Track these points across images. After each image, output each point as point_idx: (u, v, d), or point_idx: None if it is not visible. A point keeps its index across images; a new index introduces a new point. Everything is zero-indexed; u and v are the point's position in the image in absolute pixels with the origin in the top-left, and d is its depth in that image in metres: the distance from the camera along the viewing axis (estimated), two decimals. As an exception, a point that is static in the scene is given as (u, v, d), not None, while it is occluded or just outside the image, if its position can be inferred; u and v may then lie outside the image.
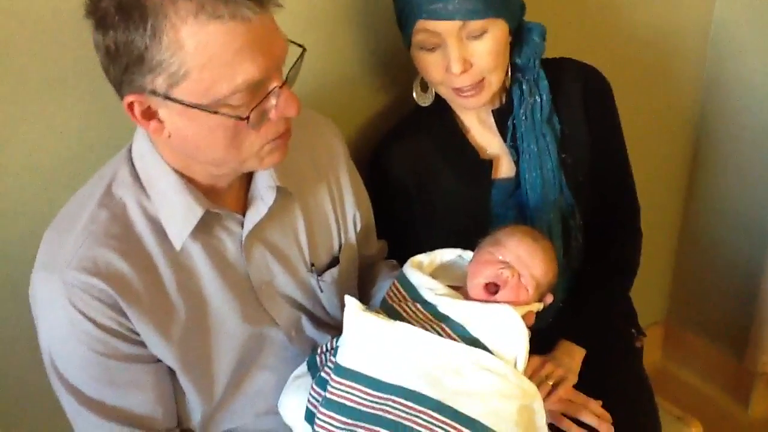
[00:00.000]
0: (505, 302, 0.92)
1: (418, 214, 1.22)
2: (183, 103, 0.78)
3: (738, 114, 1.86)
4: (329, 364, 0.93)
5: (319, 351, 0.98)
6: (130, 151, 0.92)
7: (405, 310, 0.94)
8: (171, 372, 0.94)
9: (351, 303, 0.91)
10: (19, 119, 0.99)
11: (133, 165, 0.90)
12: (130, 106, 0.80)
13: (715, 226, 2.02)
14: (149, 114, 0.81)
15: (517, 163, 1.19)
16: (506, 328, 0.90)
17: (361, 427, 0.87)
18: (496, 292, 0.94)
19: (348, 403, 0.88)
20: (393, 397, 0.87)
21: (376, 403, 0.88)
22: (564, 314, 1.22)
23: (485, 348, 0.89)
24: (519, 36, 1.15)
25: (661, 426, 1.21)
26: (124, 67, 0.77)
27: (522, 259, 0.96)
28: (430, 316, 0.93)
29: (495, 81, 1.11)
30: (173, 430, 0.95)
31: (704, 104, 1.93)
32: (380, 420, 0.87)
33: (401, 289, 0.98)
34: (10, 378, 1.11)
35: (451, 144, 1.20)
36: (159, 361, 0.92)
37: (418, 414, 0.86)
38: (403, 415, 0.86)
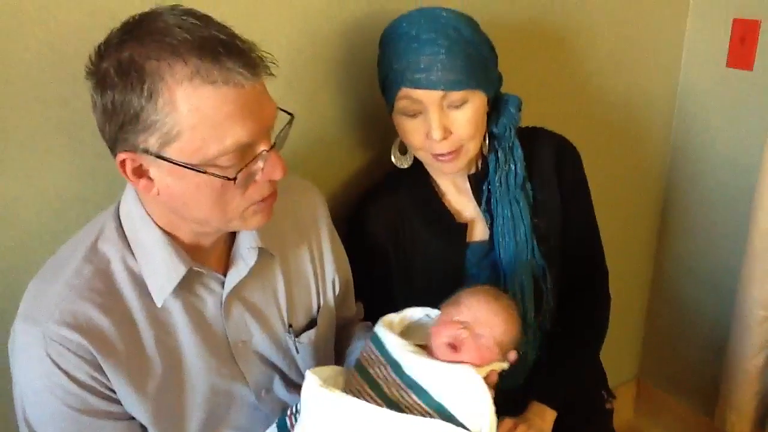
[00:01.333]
0: (466, 362, 0.91)
1: (395, 271, 1.22)
2: (173, 162, 0.79)
3: (704, 177, 1.89)
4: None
5: (288, 413, 0.97)
6: (117, 208, 0.93)
7: (377, 374, 0.93)
8: (143, 429, 0.92)
9: (310, 378, 0.90)
10: None
11: (120, 222, 0.91)
12: (122, 163, 0.81)
13: (684, 285, 2.02)
14: (140, 172, 0.82)
15: (491, 226, 1.20)
16: (468, 391, 0.89)
17: None
18: (457, 350, 0.94)
19: None
20: None
21: None
22: (536, 375, 1.22)
23: (449, 414, 0.88)
24: (496, 106, 1.17)
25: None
26: (120, 125, 0.78)
27: (480, 320, 0.95)
28: (398, 381, 0.92)
29: (472, 148, 1.13)
30: None
31: (671, 168, 1.96)
32: None
33: (374, 349, 0.97)
34: None
35: (428, 207, 1.21)
36: (132, 418, 0.90)
37: None
38: None
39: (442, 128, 1.07)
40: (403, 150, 1.20)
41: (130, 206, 0.90)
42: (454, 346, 0.94)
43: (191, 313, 0.93)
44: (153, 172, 0.82)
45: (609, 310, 1.31)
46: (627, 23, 1.66)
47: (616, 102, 1.75)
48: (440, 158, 1.11)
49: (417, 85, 1.05)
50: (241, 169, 0.81)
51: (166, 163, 0.79)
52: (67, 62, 0.99)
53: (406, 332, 1.01)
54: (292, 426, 0.95)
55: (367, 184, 1.30)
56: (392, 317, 1.02)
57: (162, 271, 0.89)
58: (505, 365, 0.97)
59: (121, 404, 0.89)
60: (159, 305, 0.90)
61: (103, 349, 0.85)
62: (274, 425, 0.97)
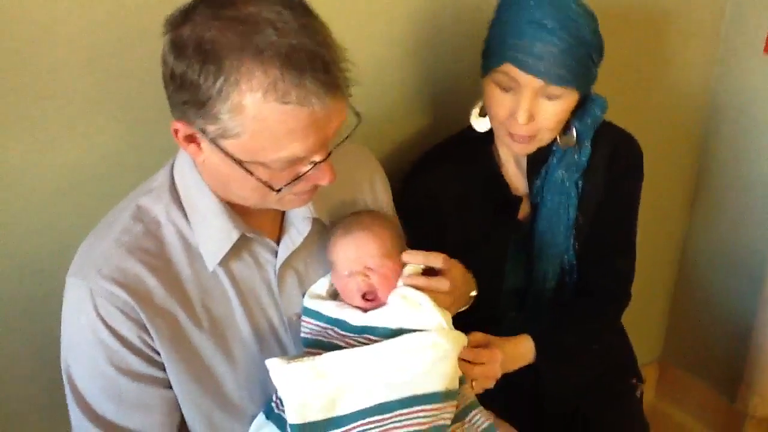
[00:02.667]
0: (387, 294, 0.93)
1: (436, 234, 1.20)
2: (226, 153, 0.78)
3: (737, 162, 1.91)
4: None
5: (273, 398, 0.94)
6: (172, 168, 0.92)
7: (328, 337, 0.93)
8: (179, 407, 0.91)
9: (273, 362, 0.88)
10: (63, 138, 1.03)
11: (173, 183, 0.91)
12: (176, 130, 0.80)
13: (711, 269, 2.06)
14: (191, 139, 0.81)
15: (534, 209, 1.22)
16: (409, 301, 0.92)
17: None
18: (374, 298, 0.94)
19: None
20: (360, 422, 0.88)
21: None
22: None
23: (410, 330, 0.90)
24: (583, 102, 1.17)
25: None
26: (183, 99, 0.77)
27: (353, 259, 0.94)
28: (350, 333, 0.92)
29: (548, 138, 1.14)
30: None
31: (705, 151, 1.98)
32: None
33: (312, 320, 0.95)
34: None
35: (487, 174, 1.23)
36: (171, 388, 0.90)
37: (390, 420, 0.88)
38: (379, 429, 0.88)
39: (528, 113, 1.08)
40: (483, 113, 1.19)
41: (184, 169, 0.90)
42: (367, 297, 0.94)
43: (241, 281, 0.92)
44: (204, 146, 0.81)
45: (621, 312, 1.31)
46: (666, 11, 1.68)
47: (656, 88, 1.77)
48: (515, 138, 1.13)
49: (523, 68, 1.05)
50: (287, 184, 0.81)
51: (217, 148, 0.79)
52: (130, 35, 1.03)
53: (334, 296, 0.99)
54: (279, 410, 0.93)
55: (421, 149, 1.31)
56: (316, 288, 0.99)
57: (215, 235, 0.88)
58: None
59: (164, 370, 0.88)
60: (210, 270, 0.89)
61: (149, 308, 0.85)
62: (262, 414, 0.95)
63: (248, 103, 0.74)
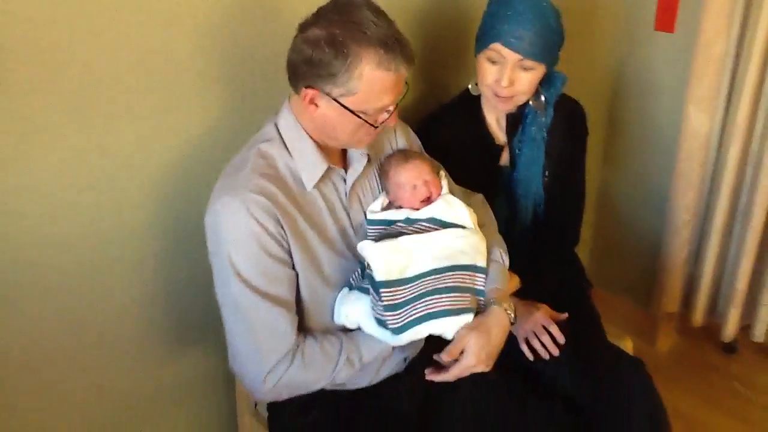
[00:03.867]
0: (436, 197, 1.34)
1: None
2: (344, 106, 1.18)
3: (641, 117, 2.29)
4: (364, 284, 1.27)
5: (352, 278, 1.30)
6: (277, 127, 1.27)
7: (392, 233, 1.29)
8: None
9: (365, 243, 1.25)
10: (176, 109, 1.33)
11: (279, 134, 1.26)
12: (306, 94, 1.18)
13: (624, 205, 2.43)
14: (313, 101, 1.19)
15: (513, 156, 1.61)
16: (453, 206, 1.32)
17: (413, 307, 1.23)
18: (428, 200, 1.33)
19: (398, 301, 1.24)
20: (422, 280, 1.25)
21: (415, 288, 1.25)
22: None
23: (453, 224, 1.31)
24: (550, 77, 1.55)
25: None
26: (317, 75, 1.15)
27: (416, 175, 1.33)
28: (408, 225, 1.30)
29: (522, 100, 1.53)
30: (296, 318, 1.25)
31: (613, 109, 2.35)
32: (422, 294, 1.24)
33: (377, 227, 1.31)
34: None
35: (476, 128, 1.61)
36: (293, 269, 1.23)
37: (441, 279, 1.26)
38: (434, 283, 1.25)
39: (509, 80, 1.46)
40: (476, 90, 1.57)
41: (289, 123, 1.26)
42: (424, 200, 1.33)
43: (327, 198, 1.29)
44: (322, 104, 1.19)
45: (578, 236, 1.75)
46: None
47: (575, 60, 2.06)
48: (499, 98, 1.51)
49: (508, 46, 1.43)
50: (380, 121, 1.22)
51: (336, 103, 1.17)
52: (214, 28, 1.34)
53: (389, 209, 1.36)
54: (357, 282, 1.29)
55: (421, 109, 1.69)
56: (374, 206, 1.35)
57: (312, 166, 1.25)
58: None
59: (291, 255, 1.22)
60: (309, 190, 1.25)
61: (281, 210, 1.20)
62: (345, 287, 1.30)
63: (365, 73, 1.14)
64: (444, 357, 1.27)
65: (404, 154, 1.39)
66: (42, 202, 1.22)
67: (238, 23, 1.35)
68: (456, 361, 1.28)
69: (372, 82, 1.15)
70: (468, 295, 1.29)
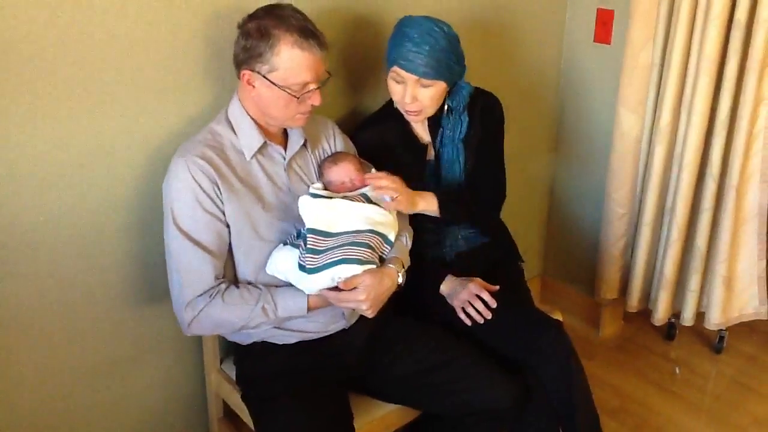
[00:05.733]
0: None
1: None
2: (270, 81, 1.42)
3: (584, 121, 2.49)
4: (300, 237, 1.49)
5: (288, 237, 1.53)
6: (226, 111, 1.52)
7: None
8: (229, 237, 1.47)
9: (304, 198, 1.49)
10: (161, 99, 1.56)
11: (227, 117, 1.51)
12: (243, 75, 1.43)
13: (571, 200, 2.64)
14: (250, 81, 1.44)
15: (437, 152, 1.81)
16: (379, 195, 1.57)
17: (332, 253, 1.45)
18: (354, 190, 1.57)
19: (320, 248, 1.46)
20: (344, 235, 1.48)
21: (337, 240, 1.47)
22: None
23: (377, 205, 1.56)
24: (456, 87, 1.74)
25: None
26: (249, 57, 1.41)
27: (343, 175, 1.58)
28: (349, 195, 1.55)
29: (430, 112, 1.74)
30: (223, 265, 1.48)
31: (562, 113, 2.53)
32: (342, 245, 1.46)
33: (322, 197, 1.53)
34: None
35: (403, 131, 1.82)
36: (227, 226, 1.46)
37: (362, 235, 1.49)
38: (354, 238, 1.48)
39: (411, 97, 1.66)
40: None
41: (235, 107, 1.51)
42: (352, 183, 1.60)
43: (265, 169, 1.52)
44: (257, 84, 1.44)
45: (496, 214, 1.93)
46: (518, 15, 2.32)
47: (525, 70, 2.38)
48: (408, 113, 1.73)
49: (404, 68, 1.63)
50: (301, 94, 1.44)
51: (266, 80, 1.42)
52: (212, 30, 1.57)
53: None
54: (291, 241, 1.51)
55: (354, 116, 1.91)
56: (316, 185, 1.56)
57: (251, 140, 1.49)
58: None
59: (224, 214, 1.45)
60: (248, 159, 1.49)
61: (218, 174, 1.44)
62: (280, 243, 1.51)
63: (283, 50, 1.40)
64: (341, 284, 1.48)
65: (334, 157, 1.63)
66: (37, 177, 1.44)
67: (226, 24, 1.58)
68: (349, 291, 1.48)
69: (291, 59, 1.40)
70: (376, 254, 1.52)
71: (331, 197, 1.52)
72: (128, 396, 1.74)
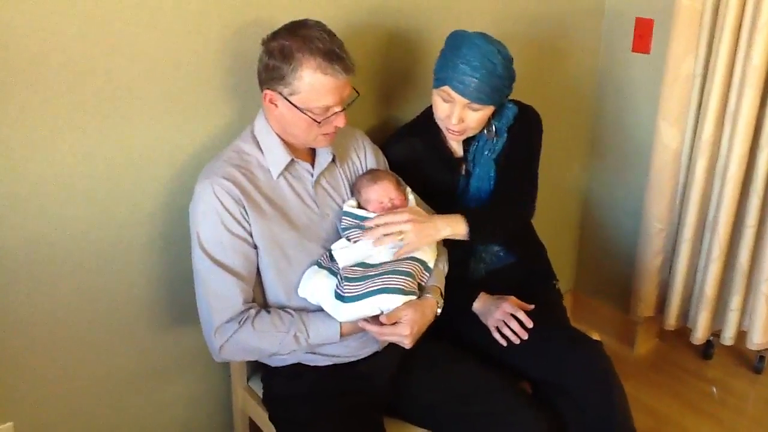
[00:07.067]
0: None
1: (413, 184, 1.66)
2: (291, 103, 1.38)
3: (620, 130, 2.44)
4: (333, 267, 1.45)
5: (320, 258, 1.48)
6: (252, 129, 1.49)
7: (357, 228, 1.49)
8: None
9: (338, 244, 1.47)
10: (188, 113, 1.53)
11: (253, 134, 1.48)
12: (266, 95, 1.40)
13: (605, 212, 2.58)
14: (272, 101, 1.40)
15: (469, 168, 1.76)
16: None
17: (372, 281, 1.41)
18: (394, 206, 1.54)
19: (358, 275, 1.42)
20: (384, 264, 1.45)
21: (376, 270, 1.43)
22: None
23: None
24: (500, 109, 1.69)
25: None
26: (272, 78, 1.37)
27: (382, 195, 1.54)
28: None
29: (472, 133, 1.67)
30: (252, 289, 1.44)
31: (596, 124, 2.49)
32: (382, 273, 1.42)
33: (350, 219, 1.51)
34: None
35: (438, 144, 1.76)
36: (255, 248, 1.42)
37: (402, 263, 1.46)
38: (395, 266, 1.44)
39: (458, 119, 1.61)
40: None
41: (261, 124, 1.48)
42: (392, 206, 1.54)
43: (293, 187, 1.48)
44: (279, 104, 1.40)
45: (520, 226, 1.80)
46: (554, 25, 2.28)
47: (557, 80, 2.34)
48: (450, 131, 1.67)
49: (456, 90, 1.58)
50: (325, 118, 1.40)
51: (287, 102, 1.38)
52: (233, 48, 1.54)
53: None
54: (326, 263, 1.46)
55: (387, 128, 1.86)
56: (349, 203, 1.54)
57: (277, 158, 1.46)
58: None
59: (251, 235, 1.41)
60: (275, 178, 1.45)
61: (245, 194, 1.40)
62: (315, 264, 1.47)
63: (306, 75, 1.35)
64: (383, 319, 1.43)
65: (373, 175, 1.58)
66: (64, 190, 1.41)
67: (254, 38, 1.51)
68: (391, 326, 1.44)
69: (312, 83, 1.36)
70: (416, 282, 1.47)
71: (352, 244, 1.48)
72: (153, 413, 1.71)
